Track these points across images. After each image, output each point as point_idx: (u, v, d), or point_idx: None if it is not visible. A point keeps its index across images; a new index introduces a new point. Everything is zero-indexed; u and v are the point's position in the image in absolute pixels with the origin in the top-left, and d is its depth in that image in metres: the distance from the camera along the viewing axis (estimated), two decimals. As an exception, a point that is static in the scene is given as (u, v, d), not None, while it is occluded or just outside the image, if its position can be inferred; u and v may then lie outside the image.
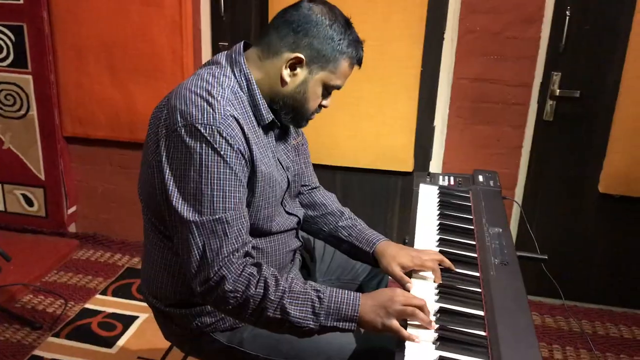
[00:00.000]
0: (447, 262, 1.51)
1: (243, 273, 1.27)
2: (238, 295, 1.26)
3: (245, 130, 1.34)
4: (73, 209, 3.29)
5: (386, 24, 2.63)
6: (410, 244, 1.67)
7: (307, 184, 1.73)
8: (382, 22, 2.64)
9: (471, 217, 1.83)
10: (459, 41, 2.64)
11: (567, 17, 2.51)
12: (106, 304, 2.76)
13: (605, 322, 2.79)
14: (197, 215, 1.27)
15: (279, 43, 1.38)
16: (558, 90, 2.61)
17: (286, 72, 1.37)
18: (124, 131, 3.01)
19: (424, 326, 1.28)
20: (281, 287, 1.28)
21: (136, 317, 2.65)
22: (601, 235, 2.79)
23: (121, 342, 2.50)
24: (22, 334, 2.53)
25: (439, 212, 1.85)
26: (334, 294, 1.30)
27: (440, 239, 1.68)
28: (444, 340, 1.24)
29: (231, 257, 1.27)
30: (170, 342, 1.58)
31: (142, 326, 2.60)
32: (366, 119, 2.78)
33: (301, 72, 1.38)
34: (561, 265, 2.87)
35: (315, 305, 1.28)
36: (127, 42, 2.85)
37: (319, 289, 1.31)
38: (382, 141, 2.81)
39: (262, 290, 1.27)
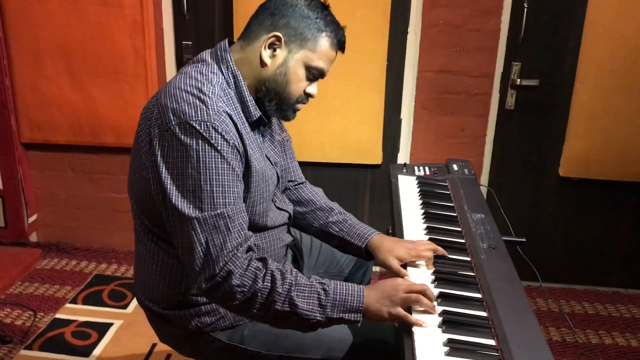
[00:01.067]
0: (441, 250, 1.54)
1: (249, 267, 1.27)
2: (245, 289, 1.26)
3: (238, 126, 1.34)
4: (34, 217, 3.18)
5: (351, 19, 2.64)
6: (399, 234, 1.70)
7: (293, 179, 1.74)
8: (346, 17, 2.62)
9: (453, 204, 1.88)
10: (422, 35, 2.70)
11: (525, 8, 2.61)
12: (78, 312, 2.69)
13: (569, 300, 2.92)
14: (198, 211, 1.26)
15: (258, 28, 1.39)
16: (518, 80, 2.71)
17: (265, 53, 1.38)
18: (86, 135, 2.93)
19: (428, 311, 1.31)
20: (288, 280, 1.28)
21: (110, 324, 2.59)
22: (563, 217, 2.91)
23: (98, 350, 2.44)
24: (-8, 349, 2.44)
25: (421, 201, 1.90)
26: (338, 286, 1.32)
27: (427, 227, 1.72)
28: (449, 323, 1.28)
29: (236, 251, 1.27)
30: (167, 344, 1.56)
31: (118, 333, 2.55)
32: (333, 114, 2.81)
33: (281, 53, 1.38)
34: (528, 247, 2.98)
35: (322, 297, 1.29)
36: (86, 43, 2.77)
37: (323, 281, 1.32)
38: (350, 135, 2.84)
39: (269, 284, 1.27)
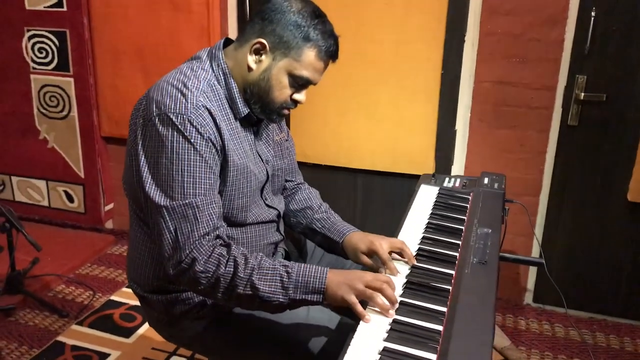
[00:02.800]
0: (408, 253, 1.51)
1: (213, 254, 1.32)
2: (209, 275, 1.31)
3: (218, 121, 1.38)
4: (110, 206, 3.45)
5: (404, 26, 2.63)
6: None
7: (291, 179, 1.76)
8: (400, 24, 2.64)
9: (464, 218, 1.80)
10: (480, 43, 2.60)
11: (593, 18, 2.43)
12: (131, 297, 2.87)
13: (635, 338, 2.65)
14: (168, 200, 1.32)
15: (250, 32, 1.43)
16: (583, 94, 2.52)
17: (251, 58, 1.41)
18: (156, 132, 3.13)
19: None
20: (250, 265, 1.32)
21: (156, 310, 2.74)
22: (630, 245, 2.65)
23: (138, 333, 2.59)
24: (50, 320, 2.67)
25: (431, 212, 1.83)
26: (301, 268, 1.33)
27: (423, 237, 1.66)
28: (395, 332, 1.23)
29: (202, 240, 1.32)
30: (151, 326, 1.64)
31: (161, 319, 2.68)
32: (384, 121, 2.78)
33: (266, 59, 1.41)
34: (588, 275, 2.75)
35: (284, 280, 1.32)
36: (159, 46, 2.98)
37: (287, 264, 1.35)
38: (401, 144, 2.79)
39: (231, 269, 1.31)
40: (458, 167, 2.79)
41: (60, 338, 2.54)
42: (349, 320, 1.57)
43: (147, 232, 1.49)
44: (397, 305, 1.32)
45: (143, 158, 1.37)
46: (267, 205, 1.60)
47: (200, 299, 1.50)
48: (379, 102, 2.76)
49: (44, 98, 3.28)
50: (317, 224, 1.68)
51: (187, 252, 1.31)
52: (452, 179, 2.13)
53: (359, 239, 1.59)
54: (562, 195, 2.69)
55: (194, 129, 1.33)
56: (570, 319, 2.73)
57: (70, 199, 3.44)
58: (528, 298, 2.88)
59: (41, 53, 3.20)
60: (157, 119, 1.34)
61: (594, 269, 2.73)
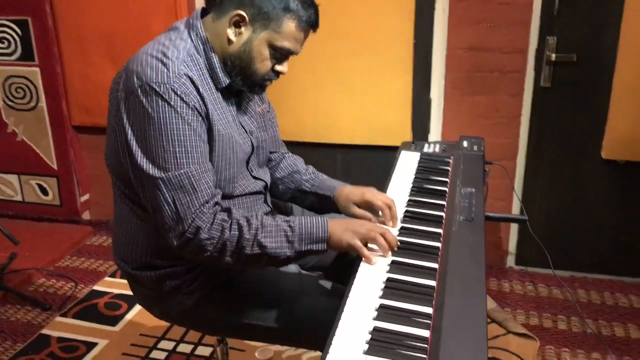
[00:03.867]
0: (394, 211, 1.53)
1: (215, 220, 1.33)
2: (215, 241, 1.33)
3: (200, 90, 1.37)
4: (86, 196, 3.39)
5: (375, -4, 2.62)
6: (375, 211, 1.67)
7: (275, 150, 1.75)
8: (370, -5, 2.62)
9: (447, 180, 1.81)
10: (450, 11, 2.61)
11: (560, -21, 2.45)
12: (114, 285, 2.84)
13: (614, 292, 2.71)
14: (162, 171, 1.32)
15: (227, 3, 1.40)
16: (554, 55, 2.55)
17: (230, 31, 1.39)
18: (129, 118, 3.08)
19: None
20: (254, 225, 1.34)
21: (141, 297, 2.72)
22: (606, 202, 2.71)
23: (125, 320, 2.57)
24: (33, 314, 2.63)
25: (415, 176, 1.84)
26: (303, 220, 1.37)
27: (409, 200, 1.67)
28: (390, 289, 1.24)
29: (202, 208, 1.33)
30: (141, 305, 1.62)
31: (147, 305, 2.66)
32: (361, 95, 2.78)
33: (245, 31, 1.39)
34: (567, 234, 2.80)
35: (288, 234, 1.35)
36: (126, 31, 2.92)
37: (287, 219, 1.38)
38: (379, 116, 2.80)
39: (236, 232, 1.33)
40: (435, 136, 2.81)
41: (44, 331, 2.50)
42: (340, 285, 1.58)
43: (134, 209, 1.47)
44: (396, 249, 1.38)
45: (130, 132, 1.34)
46: (254, 177, 1.59)
47: (191, 274, 1.49)
48: (354, 75, 2.75)
49: (9, 90, 3.20)
50: (306, 185, 1.70)
51: (190, 221, 1.32)
52: (432, 145, 2.14)
53: (350, 191, 1.62)
54: (538, 157, 2.72)
55: (179, 98, 1.32)
56: (554, 277, 2.78)
57: (45, 192, 3.37)
58: (510, 261, 2.93)
59: (3, 43, 3.11)
60: (139, 91, 1.31)
61: (573, 228, 2.78)
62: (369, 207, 1.58)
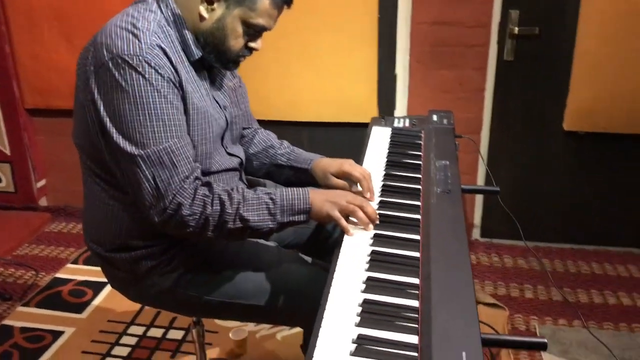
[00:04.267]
0: (370, 183, 1.53)
1: (197, 196, 1.30)
2: (197, 217, 1.30)
3: (173, 62, 1.32)
4: (42, 182, 3.27)
5: (338, -30, 2.58)
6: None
7: (248, 126, 1.73)
8: (334, -31, 2.59)
9: (420, 153, 1.81)
10: (414, -16, 2.60)
11: (522, -48, 2.47)
12: (77, 272, 2.76)
13: (577, 260, 2.79)
14: (140, 148, 1.27)
15: None
16: (517, 29, 2.58)
17: (203, 7, 1.35)
18: (86, 100, 2.97)
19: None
20: (235, 199, 1.32)
21: (106, 283, 2.62)
22: (568, 173, 2.77)
23: (91, 307, 2.50)
24: (-7, 306, 2.53)
25: (388, 151, 1.83)
26: (284, 193, 1.36)
27: (385, 174, 1.66)
28: (375, 262, 1.23)
29: (183, 184, 1.30)
30: (115, 288, 1.57)
31: (113, 291, 2.56)
32: (326, 71, 2.75)
33: (218, 7, 1.35)
34: (529, 206, 2.86)
35: (270, 207, 1.34)
36: (79, 8, 2.80)
37: (269, 191, 1.37)
38: (344, 93, 2.78)
39: (218, 207, 1.31)
40: (400, 111, 2.81)
41: (6, 322, 2.41)
42: (321, 262, 1.57)
43: (106, 189, 1.41)
44: (377, 222, 1.37)
45: (102, 108, 1.29)
46: (229, 154, 1.55)
47: (168, 254, 1.45)
48: (319, 51, 2.72)
49: (-45, 72, 3.04)
50: (281, 159, 1.69)
51: (170, 198, 1.29)
52: (402, 120, 2.14)
53: (328, 162, 1.62)
54: (502, 131, 2.76)
55: (153, 70, 1.27)
56: (519, 248, 2.84)
57: (-2, 179, 3.24)
58: (476, 234, 2.98)
59: (-53, 23, 2.95)
60: (110, 64, 1.26)
61: (536, 199, 2.84)
62: (347, 178, 1.58)
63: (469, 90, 2.71)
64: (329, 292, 1.14)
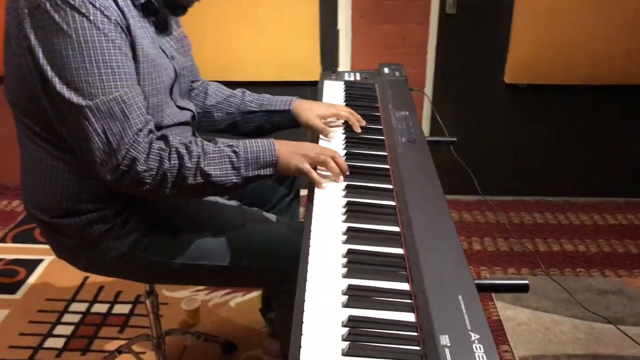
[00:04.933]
0: (357, 115, 1.55)
1: (152, 150, 1.19)
2: (153, 173, 1.20)
3: (119, 3, 1.20)
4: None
5: None
6: (315, 137, 1.59)
7: (197, 79, 1.64)
8: None
9: (377, 105, 1.76)
10: None
11: None
12: (6, 251, 2.56)
13: (519, 211, 2.86)
14: (88, 98, 1.14)
15: None
16: (458, -19, 2.56)
17: None
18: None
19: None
20: (195, 153, 1.22)
21: (40, 260, 2.47)
22: (510, 126, 2.81)
23: (26, 286, 2.33)
24: None
25: (345, 104, 1.77)
26: (248, 145, 1.27)
27: (346, 127, 1.60)
28: (352, 212, 1.18)
29: (137, 137, 1.18)
30: (64, 259, 1.44)
31: (48, 268, 2.43)
32: (265, 27, 2.64)
33: None
34: (475, 160, 2.89)
35: (233, 160, 1.25)
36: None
37: (231, 144, 1.27)
38: (285, 50, 2.68)
39: (176, 162, 1.21)
40: (344, 68, 2.75)
41: None
42: (284, 219, 1.51)
43: (47, 149, 1.27)
44: (347, 174, 1.31)
45: (42, 56, 1.14)
46: (179, 107, 1.44)
47: (122, 216, 1.34)
48: (257, 6, 2.60)
49: None
50: (251, 105, 1.61)
51: (124, 153, 1.17)
52: (352, 73, 2.08)
53: (312, 104, 1.60)
54: (446, 85, 2.76)
55: (99, 12, 1.14)
56: (462, 202, 2.87)
57: None
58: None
59: None
60: (48, 5, 1.11)
61: (481, 153, 2.87)
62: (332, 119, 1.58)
63: (412, 45, 2.68)
64: (309, 246, 1.07)
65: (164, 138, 1.23)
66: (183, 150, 1.21)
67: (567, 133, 2.80)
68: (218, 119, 1.62)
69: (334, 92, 1.88)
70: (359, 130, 1.53)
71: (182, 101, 1.47)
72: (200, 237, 1.38)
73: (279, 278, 1.39)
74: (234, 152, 1.26)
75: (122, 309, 2.22)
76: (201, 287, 2.31)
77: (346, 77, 2.03)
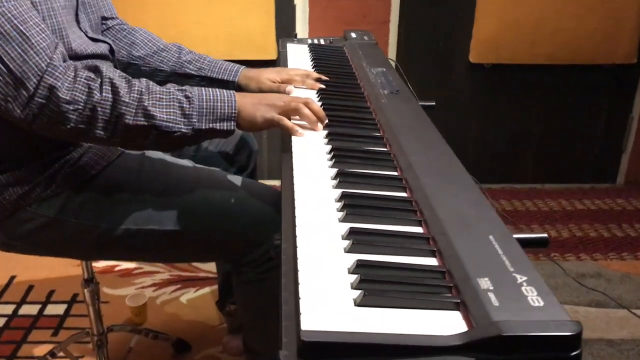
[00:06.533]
0: (315, 74, 1.36)
1: (78, 78, 0.96)
2: (80, 106, 0.96)
3: None
4: None
5: None
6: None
7: (111, 15, 1.38)
8: None
9: (350, 64, 1.58)
10: None
11: None
12: None
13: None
14: None
15: None
16: (421, -48, 2.42)
17: None
18: None
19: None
20: (136, 87, 0.99)
21: (-41, 259, 2.16)
22: (473, 106, 2.69)
23: (-59, 288, 2.01)
24: None
25: (313, 63, 1.58)
26: (203, 92, 1.04)
27: (320, 89, 1.40)
28: (339, 158, 0.98)
29: (50, 61, 0.95)
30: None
31: (-32, 267, 2.12)
32: (216, 1, 2.42)
33: None
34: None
35: (184, 105, 1.02)
36: None
37: (183, 88, 1.05)
38: (238, 26, 2.47)
39: (110, 94, 0.97)
40: (301, 47, 2.56)
41: None
42: (249, 179, 1.29)
43: None
44: (326, 121, 1.11)
45: None
46: (91, 39, 1.20)
47: (45, 173, 1.09)
48: (206, -23, 2.39)
49: None
50: (190, 67, 1.37)
51: (36, 80, 0.94)
52: (316, 39, 1.90)
53: (260, 72, 1.36)
54: (408, 63, 2.61)
55: None
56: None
57: None
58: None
59: None
60: None
61: (444, 137, 2.73)
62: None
63: (373, 22, 2.53)
64: (293, 192, 0.87)
65: (94, 68, 1.00)
66: (120, 82, 0.98)
67: (532, 116, 2.70)
68: (145, 75, 1.36)
69: (299, 55, 1.69)
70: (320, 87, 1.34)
71: (95, 34, 1.24)
72: (146, 197, 1.14)
73: (241, 246, 1.17)
74: (186, 97, 1.03)
75: (55, 309, 1.93)
76: (147, 283, 2.06)
77: (309, 42, 1.85)
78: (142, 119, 0.99)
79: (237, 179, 1.23)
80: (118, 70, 1.02)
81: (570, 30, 2.50)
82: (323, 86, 1.34)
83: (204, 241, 1.17)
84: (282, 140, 1.10)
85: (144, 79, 1.03)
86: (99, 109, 0.96)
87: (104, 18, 1.35)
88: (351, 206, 0.82)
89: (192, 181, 1.18)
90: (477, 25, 2.51)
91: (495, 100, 2.67)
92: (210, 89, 1.06)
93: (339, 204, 0.83)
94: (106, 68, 0.99)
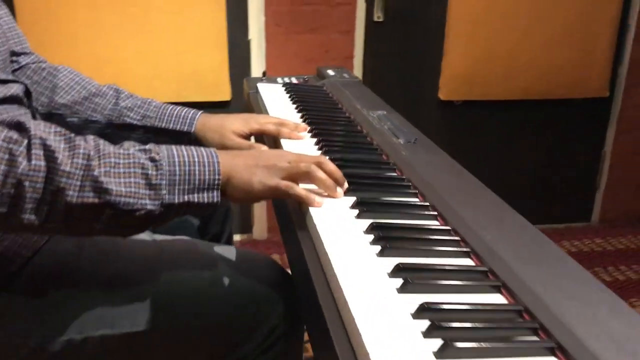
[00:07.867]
0: (291, 123, 1.12)
1: None
2: None
3: None
4: None
5: None
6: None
7: (24, 51, 1.10)
8: None
9: (340, 107, 1.33)
10: None
11: None
12: None
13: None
14: None
15: None
16: (386, -17, 2.25)
17: None
18: None
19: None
20: (81, 150, 0.69)
21: None
22: (445, 144, 2.50)
23: None
24: None
25: (296, 106, 1.32)
26: (174, 152, 0.75)
27: (314, 130, 1.14)
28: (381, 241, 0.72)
29: None
30: None
31: None
32: (160, 35, 2.15)
33: None
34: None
35: (149, 172, 0.72)
36: None
37: (146, 147, 0.75)
38: (186, 64, 2.19)
39: (43, 161, 0.67)
40: (257, 86, 2.31)
41: None
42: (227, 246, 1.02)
43: None
44: (346, 185, 0.85)
45: None
46: (2, 81, 0.91)
47: None
48: (149, 11, 2.10)
49: None
50: (131, 115, 1.10)
51: None
52: (286, 78, 1.65)
53: (223, 120, 1.10)
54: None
55: None
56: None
57: None
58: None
59: None
60: None
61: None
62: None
63: (337, 57, 2.31)
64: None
65: (16, 125, 0.68)
66: (57, 144, 0.68)
67: (503, 154, 2.55)
68: (73, 128, 1.06)
69: (275, 97, 1.43)
70: (301, 138, 1.10)
71: (4, 74, 0.94)
72: (91, 291, 0.84)
73: (232, 336, 0.89)
74: (152, 159, 0.73)
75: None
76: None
77: (279, 81, 1.59)
78: (91, 194, 0.69)
79: (214, 249, 0.95)
80: (53, 125, 0.71)
81: (543, 64, 2.38)
82: (302, 137, 1.09)
83: (180, 341, 0.87)
84: (280, 222, 0.84)
85: (91, 137, 0.73)
86: (27, 183, 0.66)
87: (14, 54, 1.06)
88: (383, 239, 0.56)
89: (154, 260, 0.89)
90: (446, 59, 2.35)
91: (466, 139, 2.50)
92: (183, 147, 0.77)
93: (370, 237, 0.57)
94: (35, 124, 0.69)
